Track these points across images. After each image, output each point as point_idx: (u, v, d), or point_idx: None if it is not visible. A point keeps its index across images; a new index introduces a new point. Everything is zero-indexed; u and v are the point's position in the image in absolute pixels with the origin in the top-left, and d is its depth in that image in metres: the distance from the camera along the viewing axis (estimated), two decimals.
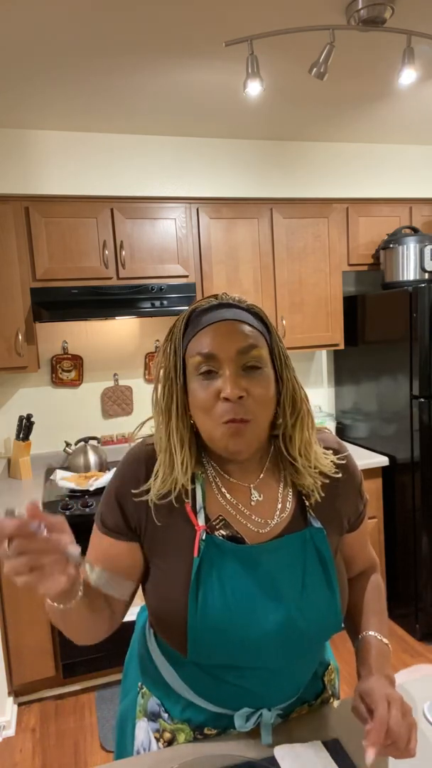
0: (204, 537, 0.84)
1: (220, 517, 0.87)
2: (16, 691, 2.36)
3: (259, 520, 0.88)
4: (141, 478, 0.87)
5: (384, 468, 2.73)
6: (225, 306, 0.85)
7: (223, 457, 0.86)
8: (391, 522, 2.76)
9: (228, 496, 0.88)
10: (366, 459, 2.70)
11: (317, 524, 0.88)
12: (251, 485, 0.89)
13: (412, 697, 0.99)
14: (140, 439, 0.92)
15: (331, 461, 0.90)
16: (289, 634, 0.82)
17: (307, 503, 0.89)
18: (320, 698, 0.99)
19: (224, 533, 0.86)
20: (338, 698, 1.04)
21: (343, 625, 0.97)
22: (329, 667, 1.03)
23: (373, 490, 2.70)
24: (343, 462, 0.93)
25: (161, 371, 0.86)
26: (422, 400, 2.51)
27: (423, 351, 2.48)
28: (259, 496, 0.89)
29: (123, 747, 1.01)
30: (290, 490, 0.90)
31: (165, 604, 0.85)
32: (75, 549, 0.65)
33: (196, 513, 0.86)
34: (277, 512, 0.88)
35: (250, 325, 0.83)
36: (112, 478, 0.91)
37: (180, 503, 0.85)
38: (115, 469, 0.93)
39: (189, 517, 0.86)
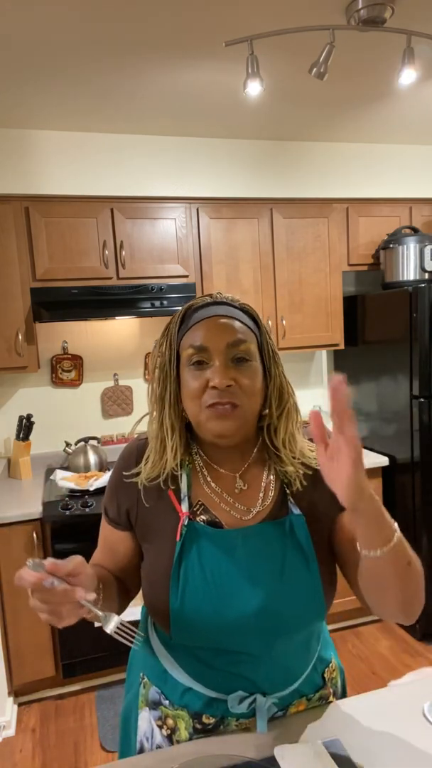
0: (186, 522, 0.89)
1: (200, 503, 0.92)
2: (16, 691, 2.36)
3: (243, 508, 0.92)
4: (132, 466, 0.95)
5: (384, 468, 2.73)
6: (218, 304, 0.91)
7: (211, 446, 0.91)
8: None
9: (213, 484, 0.93)
10: (366, 459, 2.68)
11: (297, 511, 0.91)
12: (237, 474, 0.94)
13: (413, 697, 0.99)
14: (137, 435, 1.00)
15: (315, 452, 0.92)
16: (268, 618, 0.85)
17: (288, 491, 0.93)
18: (319, 693, 0.99)
19: (204, 518, 0.91)
20: (341, 697, 1.04)
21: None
22: (331, 665, 1.03)
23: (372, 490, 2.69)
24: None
25: (157, 365, 0.92)
26: (422, 400, 2.51)
27: (423, 351, 2.48)
28: (244, 485, 0.93)
29: (127, 739, 1.03)
30: (273, 478, 0.94)
31: (151, 586, 0.91)
32: (90, 596, 0.72)
33: (180, 500, 0.91)
34: (260, 500, 0.93)
35: (240, 321, 0.89)
36: (111, 473, 1.00)
37: (167, 487, 0.92)
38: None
39: (174, 504, 0.91)
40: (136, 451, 0.96)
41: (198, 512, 0.91)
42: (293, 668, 0.94)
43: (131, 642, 0.78)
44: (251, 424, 0.90)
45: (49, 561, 0.72)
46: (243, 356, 0.86)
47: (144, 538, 0.95)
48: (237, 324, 0.88)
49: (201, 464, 0.95)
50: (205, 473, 0.94)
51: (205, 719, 0.92)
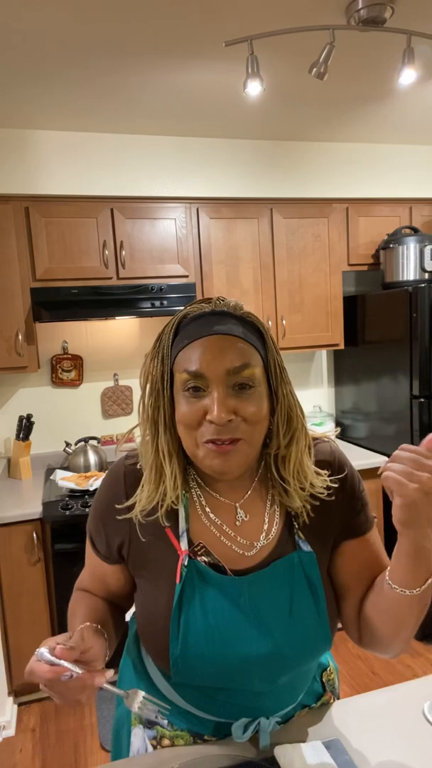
0: (186, 563, 0.81)
1: (201, 544, 0.84)
2: (16, 691, 2.36)
3: (245, 542, 0.84)
4: (121, 497, 0.86)
5: None
6: (218, 315, 0.79)
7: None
8: (391, 523, 2.75)
9: (212, 516, 0.85)
10: (366, 459, 2.70)
11: (307, 548, 0.84)
12: (237, 504, 0.86)
13: (413, 697, 0.99)
14: (123, 454, 0.91)
15: (324, 481, 0.84)
16: (276, 661, 0.81)
17: (296, 524, 0.85)
18: (320, 701, 0.98)
19: (206, 560, 0.83)
20: (338, 698, 1.04)
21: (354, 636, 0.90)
22: (328, 668, 1.02)
23: (373, 490, 2.69)
24: (336, 485, 0.86)
25: (148, 381, 0.82)
26: (422, 400, 2.51)
27: (423, 351, 2.48)
28: (245, 516, 0.85)
29: (119, 754, 1.00)
30: (277, 509, 0.86)
31: (149, 626, 0.85)
32: (108, 675, 0.70)
33: (178, 536, 0.83)
34: (263, 533, 0.85)
35: (243, 339, 0.78)
36: (95, 499, 0.91)
37: (164, 523, 0.83)
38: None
39: (171, 540, 0.83)
40: (123, 477, 0.86)
41: (199, 552, 0.83)
42: (297, 690, 0.91)
43: (156, 715, 0.76)
44: (256, 455, 0.81)
45: (59, 648, 0.66)
46: (245, 382, 0.76)
47: (138, 574, 0.87)
48: (239, 344, 0.76)
49: (198, 493, 0.86)
50: (204, 503, 0.86)
51: (206, 738, 0.90)
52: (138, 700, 0.74)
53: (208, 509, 0.85)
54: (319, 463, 0.87)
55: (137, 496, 0.83)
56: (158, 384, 0.80)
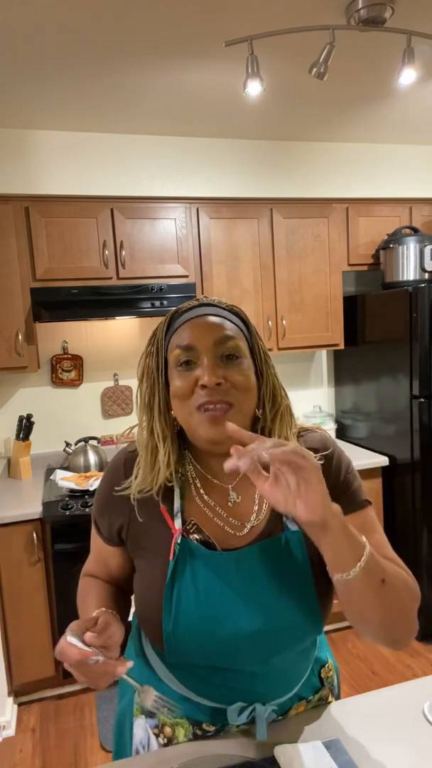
0: (179, 540, 0.86)
1: (192, 522, 0.88)
2: (16, 691, 2.36)
3: (236, 523, 0.88)
4: (122, 481, 0.91)
5: (384, 468, 2.73)
6: (205, 305, 0.89)
7: (205, 454, 0.88)
8: (391, 522, 2.76)
9: (206, 497, 0.90)
10: (366, 459, 2.70)
11: (293, 527, 0.87)
12: (230, 486, 0.90)
13: (413, 697, 0.99)
14: (125, 444, 0.97)
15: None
16: (264, 638, 0.83)
17: None
18: (318, 695, 0.99)
19: (198, 537, 0.87)
20: (338, 698, 1.04)
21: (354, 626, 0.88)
22: (327, 665, 1.02)
23: (373, 490, 2.69)
24: (322, 461, 0.88)
25: (143, 371, 0.89)
26: (422, 400, 2.51)
27: (423, 351, 2.48)
28: (237, 498, 0.90)
29: (122, 746, 1.01)
30: None
31: (143, 604, 0.89)
32: (128, 665, 0.76)
33: (173, 516, 0.88)
34: (254, 514, 0.89)
35: (229, 320, 0.86)
36: (98, 486, 0.97)
37: (160, 500, 0.88)
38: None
39: (166, 520, 0.88)
40: (124, 463, 0.93)
41: (191, 530, 0.88)
42: (292, 677, 0.93)
43: (169, 711, 0.83)
44: (247, 424, 0.85)
45: (89, 635, 0.73)
46: (232, 353, 0.82)
47: (136, 554, 0.92)
48: (225, 322, 0.85)
49: (194, 475, 0.91)
50: (198, 485, 0.90)
51: (205, 726, 0.91)
52: (150, 696, 0.81)
53: (202, 491, 0.90)
54: (309, 450, 0.89)
55: (133, 478, 0.89)
56: (153, 373, 0.87)
